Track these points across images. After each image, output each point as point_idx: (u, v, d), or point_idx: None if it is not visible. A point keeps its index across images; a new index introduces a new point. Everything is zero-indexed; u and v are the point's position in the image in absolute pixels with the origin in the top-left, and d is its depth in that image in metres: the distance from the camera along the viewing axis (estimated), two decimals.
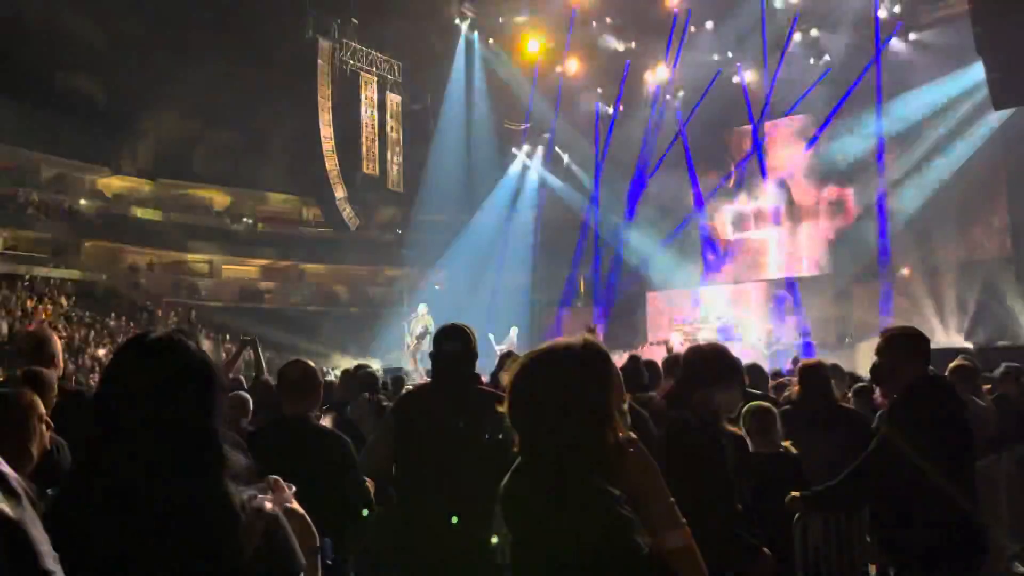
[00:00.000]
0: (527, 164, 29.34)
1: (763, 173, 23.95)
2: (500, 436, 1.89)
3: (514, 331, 18.90)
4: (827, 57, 21.92)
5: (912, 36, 20.67)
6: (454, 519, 3.04)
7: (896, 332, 3.42)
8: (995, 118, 18.24)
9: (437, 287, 27.60)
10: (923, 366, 3.33)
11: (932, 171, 19.87)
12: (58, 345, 3.52)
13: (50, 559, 1.20)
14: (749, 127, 24.21)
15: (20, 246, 28.13)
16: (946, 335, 17.13)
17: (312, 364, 3.46)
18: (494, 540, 2.88)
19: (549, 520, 1.58)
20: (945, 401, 3.31)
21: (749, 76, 23.82)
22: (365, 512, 3.24)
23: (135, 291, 29.25)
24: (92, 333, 22.58)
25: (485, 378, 5.71)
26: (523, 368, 1.73)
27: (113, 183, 31.95)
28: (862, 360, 14.40)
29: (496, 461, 1.87)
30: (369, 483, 3.29)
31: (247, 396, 5.06)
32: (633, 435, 1.71)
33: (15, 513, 1.16)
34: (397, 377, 8.87)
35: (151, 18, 26.63)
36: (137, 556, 1.39)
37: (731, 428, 3.35)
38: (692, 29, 22.77)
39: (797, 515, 3.77)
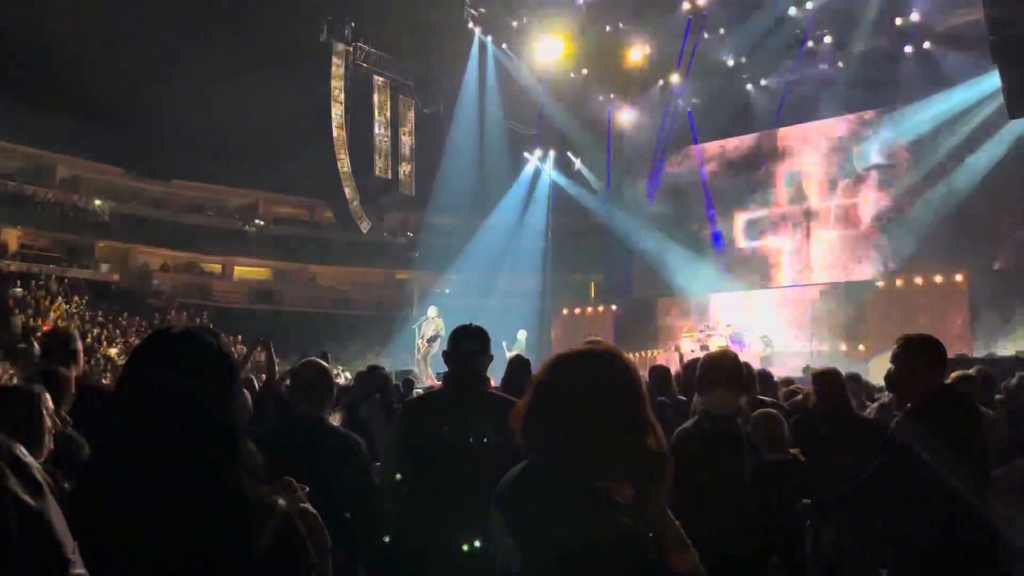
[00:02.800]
0: (539, 168, 29.35)
1: (777, 180, 23.89)
2: (507, 442, 1.84)
3: (522, 334, 18.85)
4: (841, 64, 21.82)
5: (927, 44, 20.55)
6: (464, 546, 2.99)
7: (913, 339, 3.39)
8: (1012, 126, 18.12)
9: (447, 291, 27.63)
10: (939, 374, 3.31)
11: (947, 179, 19.76)
12: (79, 343, 3.57)
13: (70, 549, 1.22)
14: (763, 133, 24.15)
15: (35, 245, 28.40)
16: (962, 344, 16.98)
17: (326, 364, 3.46)
18: (476, 544, 2.84)
19: (562, 528, 1.54)
20: (960, 410, 3.28)
21: (763, 82, 23.78)
22: (386, 539, 3.22)
23: (148, 291, 29.43)
24: (105, 332, 22.71)
25: (494, 382, 5.71)
26: (555, 370, 1.68)
27: (127, 184, 32.18)
28: (876, 369, 14.30)
29: (502, 467, 1.85)
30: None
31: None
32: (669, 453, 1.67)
33: (37, 503, 1.18)
34: (407, 379, 8.90)
35: (167, 22, 26.83)
36: (151, 547, 1.40)
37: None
38: (706, 35, 22.73)
39: (809, 523, 3.75)
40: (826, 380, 4.56)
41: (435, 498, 3.22)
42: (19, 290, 23.05)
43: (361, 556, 3.62)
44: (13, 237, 27.78)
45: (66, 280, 26.10)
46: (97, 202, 30.60)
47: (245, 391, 5.37)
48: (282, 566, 1.50)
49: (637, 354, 19.64)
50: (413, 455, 3.35)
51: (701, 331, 19.84)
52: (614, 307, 25.65)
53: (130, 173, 31.74)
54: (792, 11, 20.84)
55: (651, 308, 24.99)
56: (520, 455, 1.74)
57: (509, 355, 6.75)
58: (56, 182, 30.28)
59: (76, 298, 24.81)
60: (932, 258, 19.46)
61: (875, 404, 5.62)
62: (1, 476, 1.15)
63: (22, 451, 1.22)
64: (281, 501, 1.58)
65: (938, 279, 19.33)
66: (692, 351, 16.94)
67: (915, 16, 20.17)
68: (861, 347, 19.59)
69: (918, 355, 3.32)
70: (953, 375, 5.14)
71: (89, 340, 21.79)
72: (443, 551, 3.13)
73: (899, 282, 20.00)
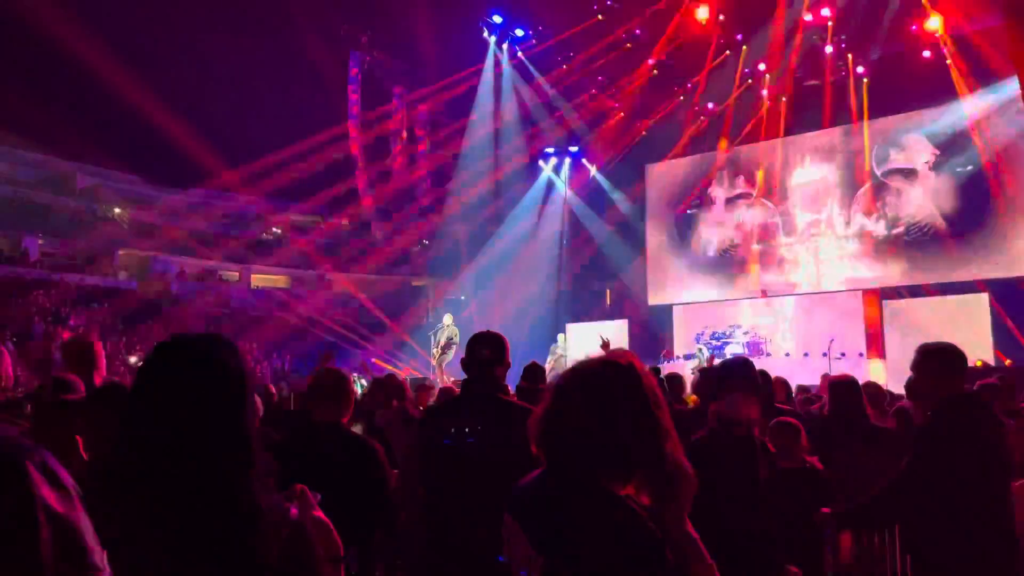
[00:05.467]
0: (554, 177, 29.35)
1: (794, 186, 23.76)
2: (524, 450, 1.83)
3: (561, 338, 19.13)
4: (859, 69, 21.75)
5: (945, 49, 20.41)
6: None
7: (932, 348, 3.37)
8: None
9: (462, 298, 27.68)
10: (959, 383, 3.28)
11: (964, 183, 19.62)
12: (101, 352, 3.61)
13: (98, 555, 1.23)
14: (779, 140, 24.04)
15: (55, 253, 28.75)
16: (976, 353, 16.80)
17: (344, 372, 3.47)
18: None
19: (585, 534, 1.53)
20: (980, 418, 3.25)
21: (778, 88, 23.69)
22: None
23: (166, 299, 29.67)
24: (124, 340, 22.91)
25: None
26: (573, 378, 1.68)
27: (146, 192, 32.50)
28: (895, 377, 14.17)
29: (519, 474, 1.85)
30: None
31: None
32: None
33: (67, 510, 1.20)
34: (423, 386, 8.89)
35: (182, 31, 27.09)
36: (163, 555, 1.41)
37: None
38: (722, 41, 22.68)
39: (827, 532, 3.71)
40: (843, 388, 4.51)
41: (453, 504, 3.22)
42: (40, 298, 23.31)
43: (376, 563, 3.63)
44: (33, 245, 28.12)
45: (85, 288, 26.36)
46: (116, 210, 30.91)
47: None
48: (291, 575, 1.50)
49: (667, 364, 19.61)
50: (432, 462, 3.36)
51: (717, 339, 19.77)
52: (630, 315, 25.58)
53: (149, 181, 32.07)
54: (809, 17, 20.78)
55: (667, 316, 24.91)
56: (536, 462, 1.73)
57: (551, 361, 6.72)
58: (76, 191, 30.63)
59: (95, 306, 25.05)
60: (952, 265, 19.30)
61: (893, 410, 5.57)
62: (32, 484, 1.17)
63: (53, 459, 1.23)
64: (293, 509, 1.58)
65: (959, 286, 19.17)
66: (708, 358, 16.88)
67: (932, 21, 20.05)
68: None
69: (937, 364, 3.29)
70: (985, 382, 5.10)
71: (108, 348, 21.98)
72: (460, 558, 3.13)
73: (919, 289, 19.84)
